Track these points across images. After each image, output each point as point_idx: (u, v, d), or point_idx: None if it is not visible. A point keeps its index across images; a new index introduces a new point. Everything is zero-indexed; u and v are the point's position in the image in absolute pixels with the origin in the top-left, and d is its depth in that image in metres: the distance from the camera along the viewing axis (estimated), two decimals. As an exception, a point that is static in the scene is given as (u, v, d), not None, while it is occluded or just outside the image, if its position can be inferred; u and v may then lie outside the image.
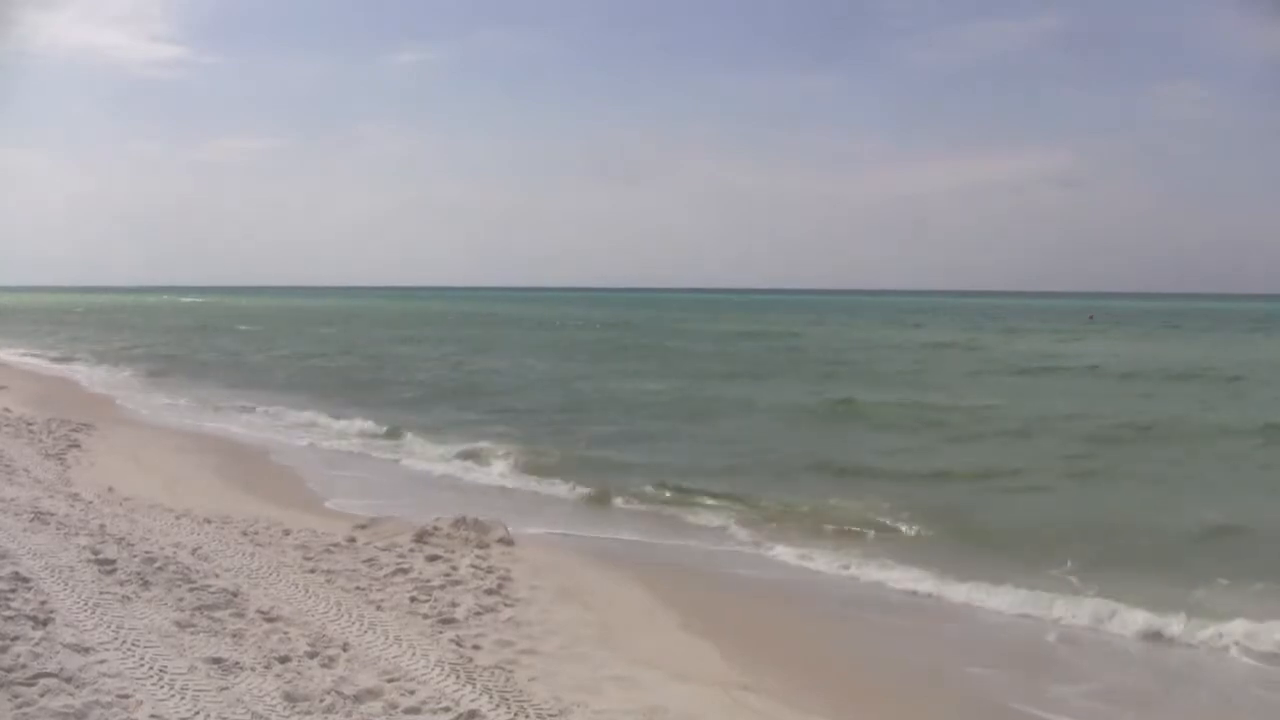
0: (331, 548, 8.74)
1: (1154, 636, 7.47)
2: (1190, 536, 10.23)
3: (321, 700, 5.14)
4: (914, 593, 8.63)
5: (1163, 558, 9.43)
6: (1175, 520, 10.84)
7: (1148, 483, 13.42)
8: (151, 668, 5.24)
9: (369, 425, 17.72)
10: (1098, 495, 12.68)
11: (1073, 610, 7.87)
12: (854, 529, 10.64)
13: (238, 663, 5.48)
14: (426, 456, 15.11)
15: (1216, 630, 7.25)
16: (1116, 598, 7.97)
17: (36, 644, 5.28)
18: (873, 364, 33.27)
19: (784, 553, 9.84)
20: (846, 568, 9.27)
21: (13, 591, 6.04)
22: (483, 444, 15.54)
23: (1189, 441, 16.65)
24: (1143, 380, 27.57)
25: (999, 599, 8.23)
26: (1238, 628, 7.21)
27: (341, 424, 18.03)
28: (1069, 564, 9.04)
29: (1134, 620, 7.58)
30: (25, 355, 34.59)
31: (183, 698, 4.93)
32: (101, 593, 6.41)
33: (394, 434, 16.99)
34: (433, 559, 8.56)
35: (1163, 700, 6.59)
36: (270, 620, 6.38)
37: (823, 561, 9.47)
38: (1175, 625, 7.46)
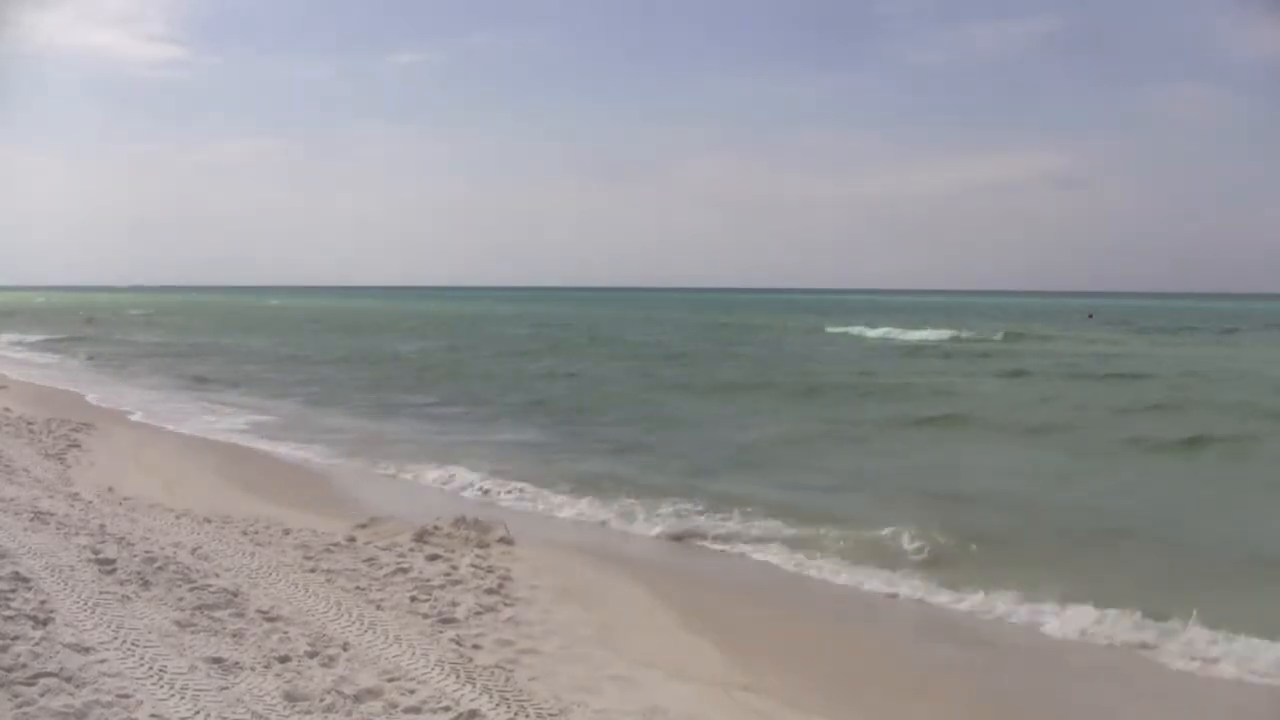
0: (331, 547, 8.74)
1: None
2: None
3: (322, 700, 5.14)
4: (917, 599, 8.51)
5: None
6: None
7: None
8: (151, 667, 5.24)
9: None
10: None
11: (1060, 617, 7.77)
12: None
13: (238, 662, 5.48)
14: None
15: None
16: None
17: (36, 643, 5.28)
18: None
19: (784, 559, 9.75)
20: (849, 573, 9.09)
21: (13, 591, 6.04)
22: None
23: None
24: None
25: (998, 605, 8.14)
26: None
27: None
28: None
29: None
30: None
31: (183, 697, 4.93)
32: (101, 592, 6.41)
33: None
34: (433, 558, 8.56)
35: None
36: (270, 620, 6.38)
37: (828, 568, 9.28)
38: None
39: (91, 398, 21.51)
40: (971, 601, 8.18)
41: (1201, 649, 6.98)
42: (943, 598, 8.37)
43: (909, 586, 8.66)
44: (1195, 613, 7.32)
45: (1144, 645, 7.18)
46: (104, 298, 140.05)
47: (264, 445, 15.87)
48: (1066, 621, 7.64)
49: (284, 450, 15.38)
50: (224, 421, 18.30)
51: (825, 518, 10.65)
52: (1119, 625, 7.43)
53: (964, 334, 48.59)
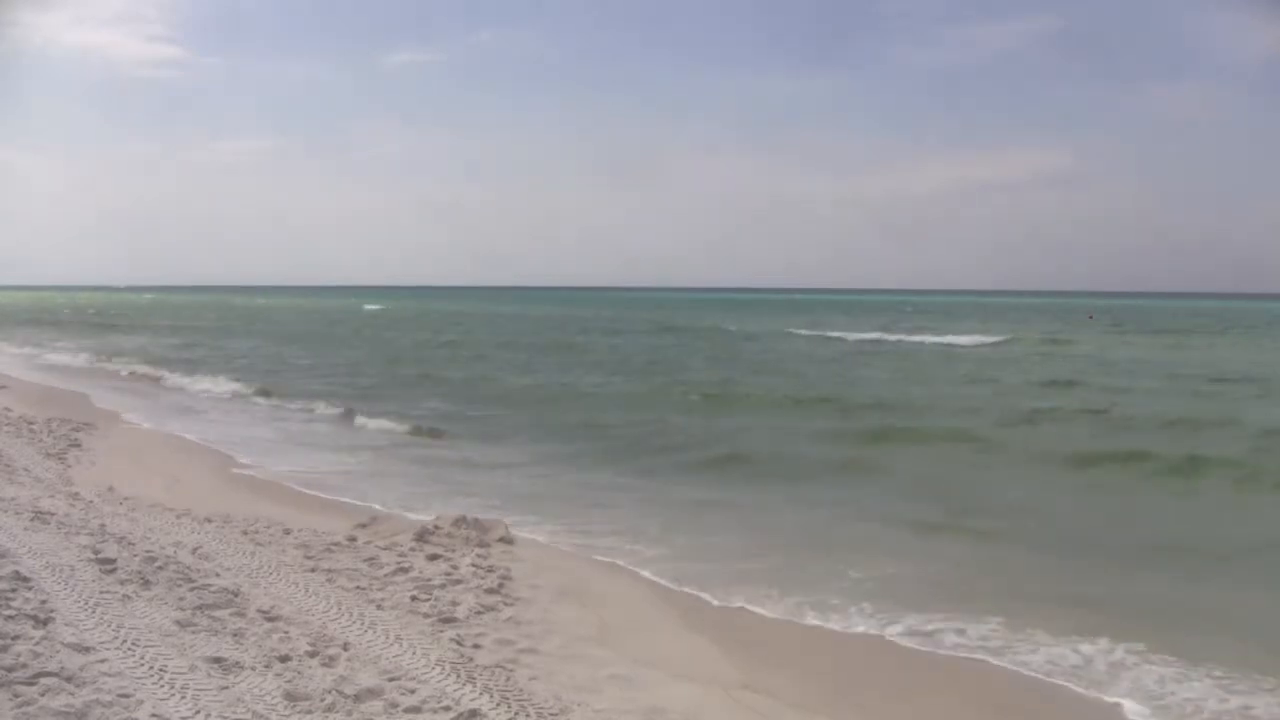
0: (332, 547, 8.75)
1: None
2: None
3: (322, 699, 5.14)
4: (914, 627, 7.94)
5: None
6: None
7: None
8: (152, 667, 5.24)
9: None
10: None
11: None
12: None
13: (238, 662, 5.49)
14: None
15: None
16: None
17: (37, 643, 5.28)
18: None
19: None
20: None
21: (13, 591, 6.04)
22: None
23: None
24: None
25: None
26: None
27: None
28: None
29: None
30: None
31: (183, 697, 4.93)
32: (102, 592, 6.41)
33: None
34: (433, 558, 8.57)
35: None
36: (271, 619, 6.38)
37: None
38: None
39: (94, 398, 21.49)
40: (969, 633, 7.67)
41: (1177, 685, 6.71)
42: (939, 624, 7.82)
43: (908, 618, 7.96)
44: (1178, 649, 7.18)
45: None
46: (98, 297, 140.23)
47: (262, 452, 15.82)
48: (1057, 647, 7.32)
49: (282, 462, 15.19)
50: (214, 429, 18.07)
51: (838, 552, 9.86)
52: (1112, 653, 7.19)
53: (966, 339, 47.79)
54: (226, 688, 5.13)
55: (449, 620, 6.93)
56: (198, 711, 4.80)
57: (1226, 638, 7.49)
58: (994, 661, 7.11)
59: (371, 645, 6.14)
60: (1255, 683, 6.71)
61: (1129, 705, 6.40)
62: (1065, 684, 6.71)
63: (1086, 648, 7.28)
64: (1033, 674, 6.89)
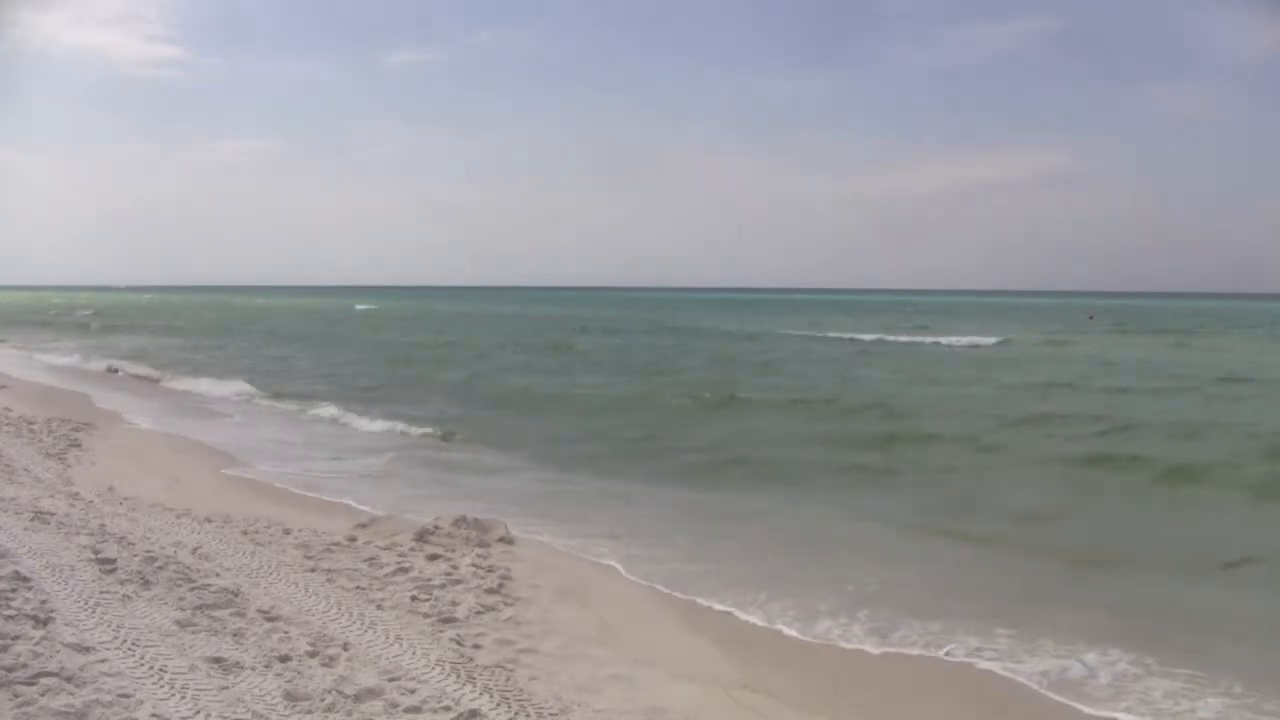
0: (332, 547, 8.74)
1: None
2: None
3: (322, 699, 5.14)
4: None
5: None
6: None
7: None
8: (152, 667, 5.24)
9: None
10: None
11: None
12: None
13: (238, 662, 5.48)
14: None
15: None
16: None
17: (37, 643, 5.27)
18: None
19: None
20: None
21: (13, 591, 6.03)
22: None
23: None
24: None
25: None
26: None
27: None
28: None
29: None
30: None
31: (183, 697, 4.93)
32: (102, 592, 6.41)
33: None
34: (433, 558, 8.56)
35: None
36: (271, 619, 6.38)
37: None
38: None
39: (95, 399, 21.48)
40: (971, 638, 7.50)
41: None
42: (940, 628, 7.66)
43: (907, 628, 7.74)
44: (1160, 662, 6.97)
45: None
46: (98, 297, 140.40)
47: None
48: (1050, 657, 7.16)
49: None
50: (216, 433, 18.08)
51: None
52: (1118, 664, 7.01)
53: (966, 340, 47.69)
54: (226, 688, 5.12)
55: (449, 620, 6.93)
56: (198, 711, 4.80)
57: (1246, 650, 7.23)
58: (996, 668, 7.04)
59: (371, 645, 6.14)
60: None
61: (1130, 720, 6.19)
62: (1067, 697, 6.58)
63: (1091, 657, 7.11)
64: (1031, 683, 6.78)
